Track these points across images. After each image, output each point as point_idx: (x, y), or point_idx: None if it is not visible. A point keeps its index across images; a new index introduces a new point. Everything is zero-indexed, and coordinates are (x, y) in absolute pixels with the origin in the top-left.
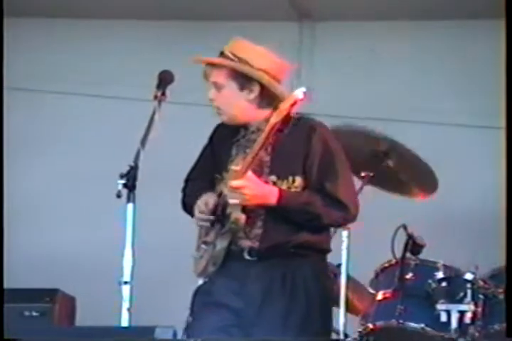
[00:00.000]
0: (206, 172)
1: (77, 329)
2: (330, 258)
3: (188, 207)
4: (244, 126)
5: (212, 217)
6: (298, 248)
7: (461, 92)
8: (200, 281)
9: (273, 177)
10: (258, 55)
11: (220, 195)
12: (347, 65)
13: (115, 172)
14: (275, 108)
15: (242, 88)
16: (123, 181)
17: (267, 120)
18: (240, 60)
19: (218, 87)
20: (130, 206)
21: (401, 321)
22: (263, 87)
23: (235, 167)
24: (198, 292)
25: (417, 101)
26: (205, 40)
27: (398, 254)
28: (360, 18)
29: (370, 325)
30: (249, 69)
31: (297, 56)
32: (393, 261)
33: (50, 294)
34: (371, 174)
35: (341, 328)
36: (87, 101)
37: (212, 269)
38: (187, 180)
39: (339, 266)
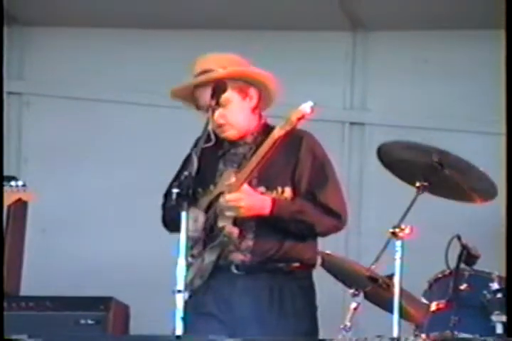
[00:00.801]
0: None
1: (131, 337)
2: (383, 268)
3: (169, 222)
4: (231, 140)
5: (200, 234)
6: (285, 261)
7: None
8: (186, 294)
9: (262, 189)
10: (239, 62)
11: (207, 209)
12: (400, 75)
13: (161, 181)
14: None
15: (244, 97)
16: (177, 190)
17: (253, 132)
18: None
19: (223, 104)
20: (184, 214)
21: (456, 332)
22: (260, 91)
23: (228, 181)
24: (188, 304)
25: (469, 111)
26: (259, 49)
27: (452, 265)
28: (413, 28)
29: (423, 335)
30: (246, 74)
31: (351, 66)
32: (447, 272)
33: (104, 302)
34: (425, 183)
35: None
36: (129, 109)
37: (199, 282)
38: (166, 195)
39: (391, 276)
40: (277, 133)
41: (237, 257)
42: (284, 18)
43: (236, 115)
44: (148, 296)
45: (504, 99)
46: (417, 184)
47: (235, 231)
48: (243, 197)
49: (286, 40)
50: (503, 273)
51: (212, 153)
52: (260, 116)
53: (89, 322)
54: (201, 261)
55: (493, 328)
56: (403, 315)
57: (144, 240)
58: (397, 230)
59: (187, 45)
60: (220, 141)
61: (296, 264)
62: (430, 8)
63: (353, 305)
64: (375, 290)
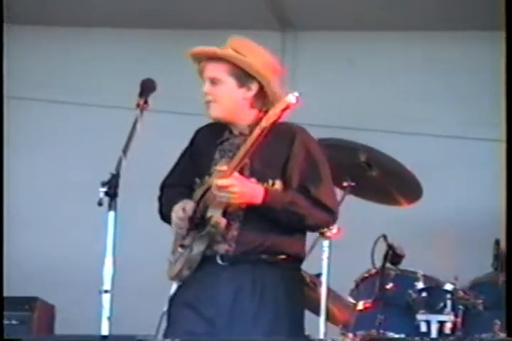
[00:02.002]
0: (185, 178)
1: (56, 337)
2: (310, 267)
3: (165, 215)
4: (229, 129)
5: (188, 225)
6: (269, 253)
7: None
8: (174, 285)
9: (253, 180)
10: (259, 53)
11: (199, 199)
12: (329, 75)
13: (98, 180)
14: (266, 111)
15: (240, 85)
16: (104, 189)
17: (250, 125)
18: (243, 55)
19: (216, 82)
20: (111, 214)
21: (381, 331)
22: (261, 87)
23: (220, 167)
24: (174, 297)
25: (397, 111)
26: (188, 48)
27: (378, 264)
28: (342, 28)
29: (351, 335)
30: (252, 66)
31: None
32: (373, 271)
33: (29, 302)
34: (353, 184)
35: (322, 337)
36: (74, 109)
37: (187, 273)
38: (163, 187)
39: (319, 275)
40: (264, 123)
41: (222, 247)
42: (212, 17)
43: (222, 95)
44: (75, 296)
45: (504, 101)
46: (344, 184)
47: (223, 221)
48: (234, 183)
49: (214, 39)
50: (427, 273)
51: (210, 144)
52: (260, 111)
53: (14, 322)
54: (189, 251)
55: (418, 327)
56: (328, 316)
57: (72, 239)
58: (324, 230)
59: (130, 45)
60: (219, 132)
61: (281, 256)
62: (359, 8)
63: None
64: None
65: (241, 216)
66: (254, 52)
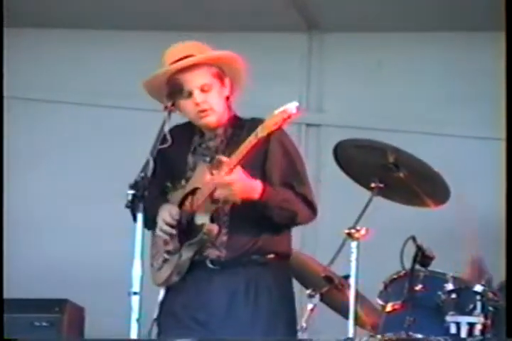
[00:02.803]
0: (158, 181)
1: (85, 340)
2: (338, 269)
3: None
4: (199, 130)
5: (174, 231)
6: (259, 253)
7: (467, 104)
8: (162, 291)
9: None
10: (208, 49)
11: (180, 204)
12: (356, 76)
13: (119, 182)
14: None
15: (222, 84)
16: (132, 191)
17: (224, 124)
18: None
19: (206, 89)
20: (140, 216)
21: (410, 333)
22: (232, 81)
23: (202, 177)
24: (164, 302)
25: (423, 113)
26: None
27: (407, 266)
28: (369, 29)
29: (379, 337)
30: (225, 57)
31: (306, 67)
32: (402, 273)
33: (59, 304)
34: (381, 185)
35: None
36: (85, 110)
37: (176, 279)
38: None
39: (347, 277)
40: (261, 133)
41: (213, 253)
42: (240, 19)
43: (217, 101)
44: (104, 298)
45: (504, 102)
46: (372, 185)
47: (215, 228)
48: (238, 180)
49: (242, 41)
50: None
51: (182, 148)
52: (230, 108)
53: (44, 324)
54: (178, 258)
55: (448, 329)
56: (356, 319)
57: (101, 242)
58: (352, 231)
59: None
60: (189, 135)
61: (271, 256)
62: (386, 9)
63: (310, 306)
64: (330, 292)
65: (227, 220)
66: (204, 49)
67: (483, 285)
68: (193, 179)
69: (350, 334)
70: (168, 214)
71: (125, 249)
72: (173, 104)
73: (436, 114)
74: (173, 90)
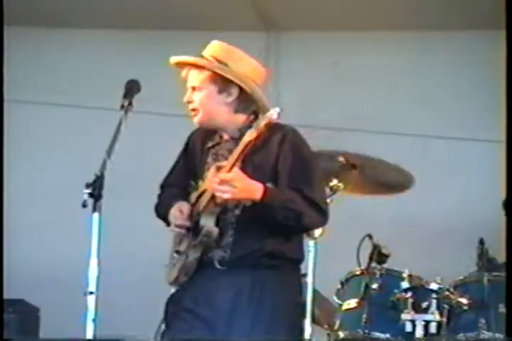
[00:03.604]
0: (182, 179)
1: (40, 340)
2: None
3: (161, 214)
4: (220, 133)
5: (188, 223)
6: (268, 257)
7: (426, 102)
8: (173, 289)
9: None
10: (238, 58)
11: (194, 203)
12: (312, 75)
13: (82, 182)
14: (256, 114)
15: (220, 91)
16: (89, 190)
17: (240, 128)
18: (221, 63)
19: (196, 90)
20: (96, 215)
21: (366, 331)
22: (242, 91)
23: (219, 163)
24: (171, 300)
25: (379, 112)
26: (172, 49)
27: (364, 264)
28: (326, 28)
29: (336, 335)
30: (232, 72)
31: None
32: (359, 271)
33: (14, 304)
34: (339, 184)
35: (307, 338)
36: (57, 110)
37: (184, 279)
38: (163, 186)
39: (304, 275)
40: (247, 138)
41: (218, 253)
42: (196, 18)
43: (203, 102)
44: (59, 298)
45: (503, 102)
46: (331, 184)
47: (215, 230)
48: (237, 178)
49: (198, 40)
50: (413, 272)
51: (203, 147)
52: (249, 114)
53: None
54: (185, 258)
55: (403, 327)
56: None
57: (57, 241)
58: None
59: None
60: (211, 135)
61: (280, 260)
62: (344, 8)
63: None
64: None
65: (234, 223)
66: (234, 57)
67: (438, 283)
68: (205, 182)
69: (307, 332)
70: (178, 210)
71: (81, 248)
72: (130, 103)
73: (394, 113)
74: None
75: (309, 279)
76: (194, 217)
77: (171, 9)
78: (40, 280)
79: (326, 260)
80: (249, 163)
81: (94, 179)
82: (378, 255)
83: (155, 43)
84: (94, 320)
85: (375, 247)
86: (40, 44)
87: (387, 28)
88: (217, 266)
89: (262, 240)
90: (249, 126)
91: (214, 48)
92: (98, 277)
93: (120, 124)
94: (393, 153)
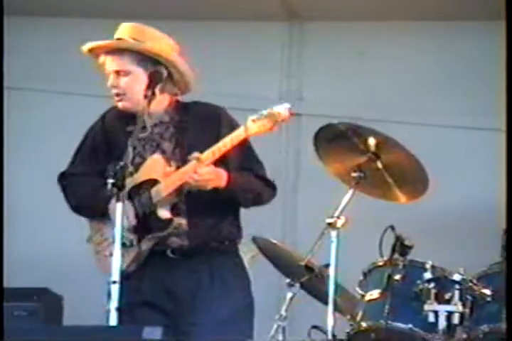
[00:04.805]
0: (98, 166)
1: (65, 328)
2: (318, 258)
3: (86, 208)
4: (143, 117)
5: (132, 236)
6: (222, 242)
7: (451, 93)
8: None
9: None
10: (156, 36)
11: (130, 195)
12: (336, 65)
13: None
14: (175, 94)
15: (146, 72)
16: (112, 180)
17: (167, 111)
18: (142, 42)
19: (121, 74)
20: (119, 205)
21: (389, 321)
22: (169, 71)
23: (155, 168)
24: (126, 289)
25: (404, 102)
26: (196, 39)
27: (386, 255)
28: (350, 18)
29: (358, 326)
30: (155, 50)
31: (287, 56)
32: (381, 262)
33: (38, 293)
34: (361, 174)
35: (329, 329)
36: (80, 100)
37: (133, 268)
38: (66, 176)
39: (327, 266)
40: (241, 132)
41: (176, 242)
42: (220, 8)
43: (131, 86)
44: (83, 286)
45: (502, 92)
46: (353, 174)
47: (184, 222)
48: (210, 170)
49: (222, 30)
50: (436, 263)
51: (122, 131)
52: (171, 95)
53: (23, 313)
54: (138, 249)
55: (426, 317)
56: (336, 307)
57: (80, 230)
58: (333, 220)
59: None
60: (128, 118)
61: (227, 243)
62: None
63: (289, 295)
64: (311, 280)
65: (185, 210)
66: (150, 36)
67: (461, 274)
68: (145, 170)
69: (330, 324)
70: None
71: None
72: (153, 93)
73: (419, 104)
74: (153, 82)
75: (332, 270)
76: (142, 209)
77: None
78: (63, 268)
79: (348, 251)
80: (188, 144)
81: (118, 169)
82: (401, 246)
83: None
84: (117, 309)
85: (398, 238)
86: (49, 33)
87: (412, 18)
88: (170, 255)
89: (216, 226)
90: (178, 108)
91: (127, 29)
92: (122, 266)
93: (143, 114)
94: (417, 143)
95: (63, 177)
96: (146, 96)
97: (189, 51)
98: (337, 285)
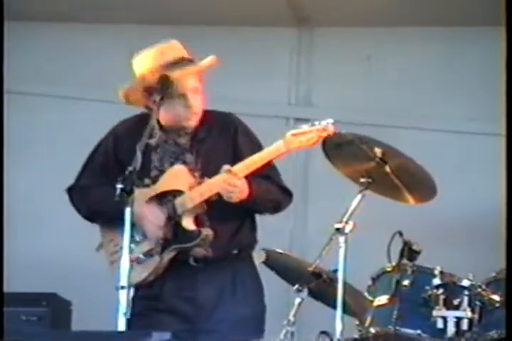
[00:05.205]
0: (111, 177)
1: (73, 333)
2: (326, 263)
3: (100, 213)
4: (163, 129)
5: (157, 247)
6: (240, 248)
7: (459, 98)
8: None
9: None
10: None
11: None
12: (345, 71)
13: None
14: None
15: (202, 88)
16: (121, 185)
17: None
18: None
19: (197, 93)
20: (128, 210)
21: (397, 327)
22: None
23: (182, 179)
24: (140, 298)
25: (413, 108)
26: (205, 44)
27: (395, 260)
28: (359, 24)
29: (367, 331)
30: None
31: (296, 61)
32: (390, 267)
33: (47, 298)
34: (369, 180)
35: (337, 334)
36: (80, 104)
37: (152, 278)
38: (75, 188)
39: (335, 271)
40: (292, 145)
41: (199, 252)
42: (229, 13)
43: (200, 104)
44: (92, 292)
45: (504, 98)
46: (362, 180)
47: (211, 233)
48: (242, 183)
49: (231, 36)
50: (444, 269)
51: (137, 143)
52: None
53: (31, 318)
54: (160, 260)
55: (435, 323)
56: (346, 310)
57: (89, 235)
58: (341, 225)
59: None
60: (142, 129)
61: (247, 249)
62: (377, 4)
63: (298, 300)
64: (319, 285)
65: (207, 220)
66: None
67: (470, 279)
68: (165, 180)
69: (338, 328)
70: (155, 218)
71: None
72: (162, 98)
73: (427, 109)
74: (163, 88)
75: (340, 275)
76: (167, 220)
77: (201, 4)
78: (72, 274)
79: (357, 256)
80: (207, 156)
81: (127, 174)
82: (409, 251)
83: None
84: (125, 314)
85: (406, 244)
86: (48, 38)
87: (417, 23)
88: (193, 263)
89: (237, 233)
90: (204, 120)
91: (180, 48)
92: (130, 271)
93: (151, 119)
94: (422, 148)
95: (73, 190)
96: (155, 102)
97: (198, 56)
98: (347, 287)
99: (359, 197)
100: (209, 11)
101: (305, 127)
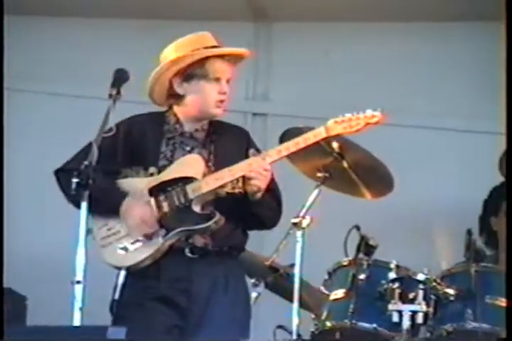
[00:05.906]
0: (114, 165)
1: (28, 328)
2: (284, 257)
3: (104, 204)
4: (177, 120)
5: (152, 230)
6: (237, 249)
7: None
8: (123, 273)
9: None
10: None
11: (157, 190)
12: (303, 65)
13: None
14: None
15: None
16: (77, 180)
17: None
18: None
19: (228, 82)
20: (84, 204)
21: (354, 321)
22: None
23: (196, 167)
24: (130, 286)
25: (369, 102)
26: (161, 38)
27: (351, 255)
28: (316, 19)
29: (323, 325)
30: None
31: (253, 56)
32: (346, 262)
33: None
34: (327, 174)
35: (294, 328)
36: (80, 101)
37: (148, 263)
38: (62, 170)
39: (292, 266)
40: (333, 131)
41: (199, 240)
42: (186, 8)
43: (229, 97)
44: (46, 287)
45: (504, 96)
46: (319, 174)
47: (223, 219)
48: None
49: (188, 30)
50: (400, 263)
51: (149, 137)
52: None
53: None
54: (162, 243)
55: (390, 317)
56: (302, 304)
57: (43, 230)
58: (298, 220)
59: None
60: (157, 124)
61: (240, 251)
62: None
63: (254, 294)
64: (276, 280)
65: (213, 210)
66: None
67: (425, 273)
68: (176, 168)
69: (295, 323)
70: (141, 221)
71: (68, 237)
72: (118, 92)
73: (387, 103)
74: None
75: (297, 269)
76: (173, 204)
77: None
78: (28, 268)
79: (313, 250)
80: (222, 155)
81: (83, 168)
82: (366, 246)
83: (147, 32)
84: (81, 309)
85: (363, 238)
86: (38, 33)
87: (378, 18)
88: (188, 254)
89: (232, 229)
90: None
91: (213, 39)
92: (85, 266)
93: (108, 113)
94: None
95: (61, 171)
96: (110, 96)
97: (152, 50)
98: (303, 283)
99: (316, 191)
100: (162, 5)
101: (349, 115)
